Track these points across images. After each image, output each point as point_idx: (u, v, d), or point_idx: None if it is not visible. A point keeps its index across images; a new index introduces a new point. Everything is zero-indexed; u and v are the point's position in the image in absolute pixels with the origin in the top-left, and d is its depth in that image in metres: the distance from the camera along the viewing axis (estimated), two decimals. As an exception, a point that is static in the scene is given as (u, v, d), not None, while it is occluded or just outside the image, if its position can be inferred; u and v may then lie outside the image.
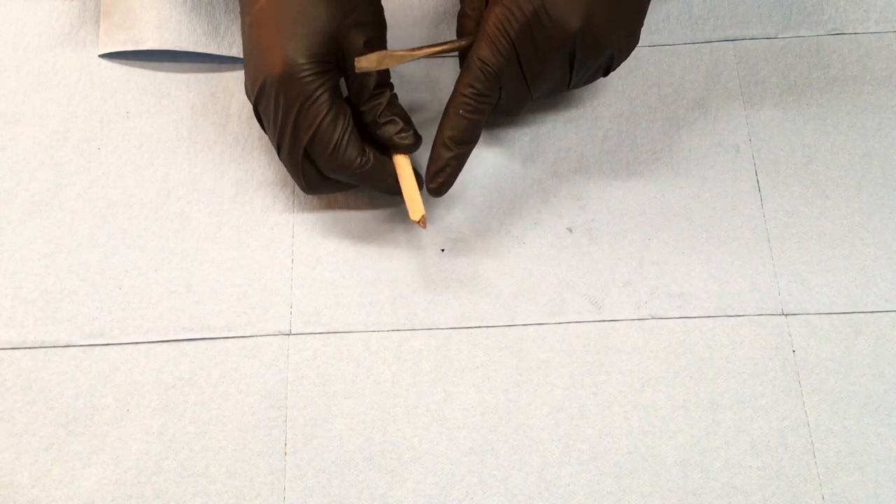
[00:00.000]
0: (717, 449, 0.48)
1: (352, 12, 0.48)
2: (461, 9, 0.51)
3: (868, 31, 0.58)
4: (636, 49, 0.57)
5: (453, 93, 0.49)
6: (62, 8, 0.60)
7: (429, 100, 0.56)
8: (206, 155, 0.56)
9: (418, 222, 0.50)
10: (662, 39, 0.58)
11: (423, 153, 0.51)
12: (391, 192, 0.51)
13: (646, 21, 0.58)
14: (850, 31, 0.58)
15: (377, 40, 0.50)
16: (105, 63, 0.59)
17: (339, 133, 0.48)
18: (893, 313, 0.51)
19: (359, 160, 0.49)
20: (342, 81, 0.51)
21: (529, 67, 0.48)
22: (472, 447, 0.49)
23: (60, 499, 0.48)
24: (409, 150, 0.50)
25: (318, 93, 0.47)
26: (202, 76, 0.58)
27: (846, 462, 0.48)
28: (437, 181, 0.49)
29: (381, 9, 0.51)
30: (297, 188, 0.54)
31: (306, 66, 0.47)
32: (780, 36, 0.58)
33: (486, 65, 0.48)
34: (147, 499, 0.48)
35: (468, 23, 0.51)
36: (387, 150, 0.51)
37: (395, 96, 0.51)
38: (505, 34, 0.47)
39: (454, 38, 0.52)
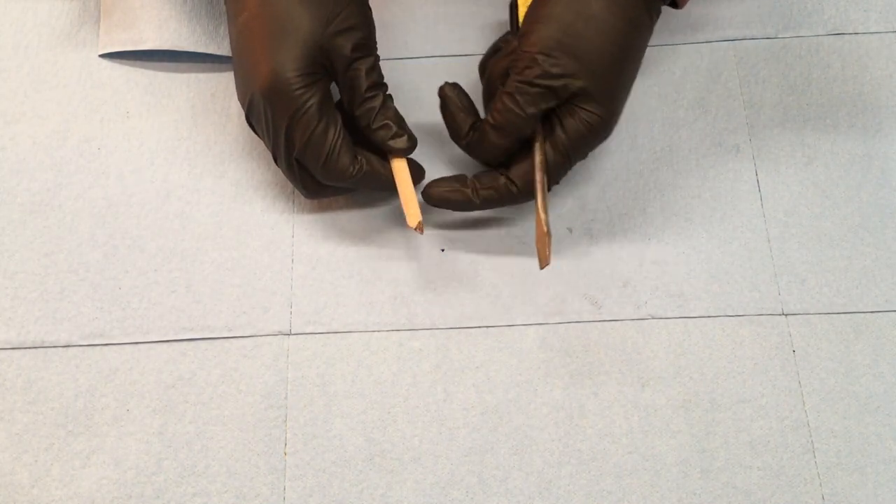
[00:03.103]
0: (717, 449, 0.48)
1: (336, 17, 0.48)
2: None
3: (868, 31, 0.58)
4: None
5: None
6: (62, 8, 0.60)
7: (423, 103, 0.56)
8: (206, 155, 0.56)
9: (415, 228, 0.49)
10: (662, 39, 0.58)
11: (431, 163, 0.52)
12: (388, 191, 0.51)
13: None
14: (850, 31, 0.58)
15: (365, 44, 0.49)
16: (105, 63, 0.59)
17: (331, 143, 0.48)
18: (893, 313, 0.51)
19: (351, 168, 0.48)
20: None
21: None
22: (472, 447, 0.49)
23: (60, 499, 0.48)
24: (402, 153, 0.50)
25: (308, 104, 0.47)
26: (202, 76, 0.58)
27: (846, 462, 0.48)
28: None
29: (368, 11, 0.50)
30: (305, 194, 0.54)
31: (293, 79, 0.47)
32: (780, 36, 0.58)
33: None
34: (147, 499, 0.48)
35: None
36: (383, 152, 0.51)
37: (388, 98, 0.50)
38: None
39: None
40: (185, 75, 0.58)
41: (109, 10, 0.58)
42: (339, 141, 0.48)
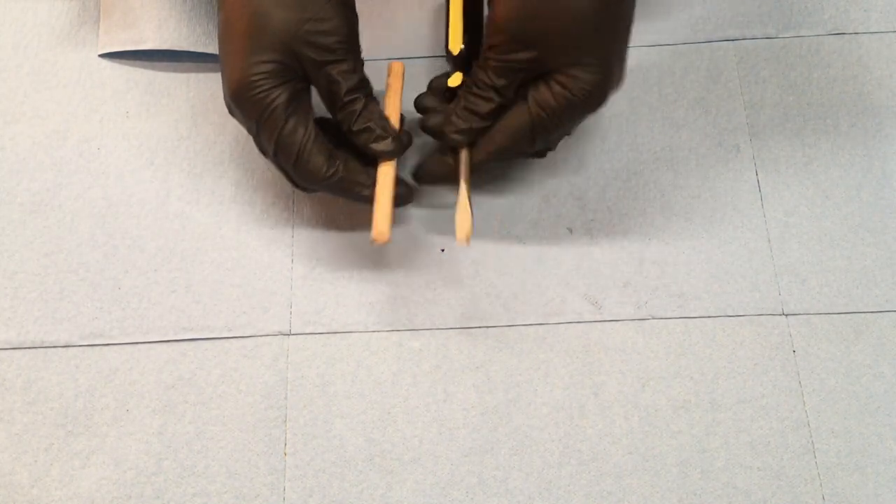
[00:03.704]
0: (717, 449, 0.48)
1: (309, 21, 0.46)
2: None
3: (868, 31, 0.58)
4: (637, 48, 0.58)
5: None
6: (62, 8, 0.60)
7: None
8: (206, 155, 0.56)
9: (374, 240, 0.47)
10: (662, 39, 0.58)
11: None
12: (369, 203, 0.49)
13: (646, 21, 0.59)
14: (851, 31, 0.58)
15: (339, 48, 0.47)
16: (105, 63, 0.59)
17: (300, 143, 0.47)
18: (893, 313, 0.51)
19: (325, 169, 0.47)
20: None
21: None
22: (472, 447, 0.49)
23: (60, 499, 0.48)
24: (387, 157, 0.48)
25: (273, 105, 0.46)
26: (202, 76, 0.58)
27: (846, 462, 0.48)
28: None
29: (349, 13, 0.48)
30: (297, 188, 0.54)
31: (258, 82, 0.46)
32: (780, 36, 0.58)
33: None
34: (147, 499, 0.48)
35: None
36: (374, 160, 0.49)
37: (372, 101, 0.49)
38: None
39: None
40: (185, 75, 0.58)
41: (109, 10, 0.58)
42: (309, 141, 0.47)
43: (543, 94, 0.47)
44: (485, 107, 0.48)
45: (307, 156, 0.47)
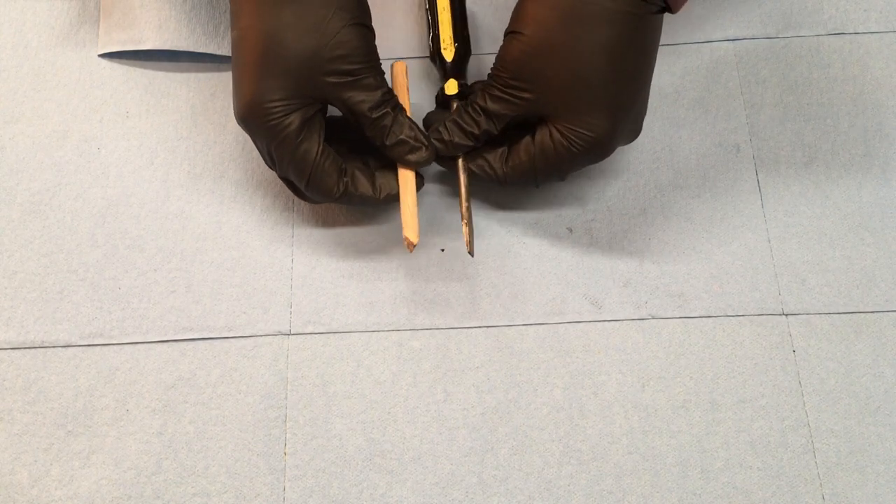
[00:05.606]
0: (717, 449, 0.48)
1: (326, 45, 0.46)
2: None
3: (868, 31, 0.58)
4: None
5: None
6: (62, 8, 0.60)
7: (423, 103, 0.56)
8: (206, 155, 0.56)
9: (406, 244, 0.48)
10: (663, 39, 0.58)
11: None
12: (377, 206, 0.51)
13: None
14: (851, 31, 0.58)
15: (359, 69, 0.47)
16: (105, 63, 0.59)
17: (312, 164, 0.47)
18: (893, 313, 0.51)
19: (335, 188, 0.48)
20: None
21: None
22: (472, 447, 0.49)
23: (60, 499, 0.48)
24: (421, 165, 0.49)
25: (286, 131, 0.46)
26: (202, 76, 0.58)
27: (846, 462, 0.48)
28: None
29: (366, 31, 0.48)
30: (301, 200, 0.54)
31: (270, 108, 0.46)
32: (780, 36, 0.58)
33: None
34: (147, 499, 0.48)
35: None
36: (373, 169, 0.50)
37: (399, 111, 0.49)
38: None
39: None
40: (184, 75, 0.58)
41: (109, 10, 0.58)
42: (322, 161, 0.47)
43: (545, 140, 0.48)
44: (472, 127, 0.49)
45: (319, 176, 0.48)
